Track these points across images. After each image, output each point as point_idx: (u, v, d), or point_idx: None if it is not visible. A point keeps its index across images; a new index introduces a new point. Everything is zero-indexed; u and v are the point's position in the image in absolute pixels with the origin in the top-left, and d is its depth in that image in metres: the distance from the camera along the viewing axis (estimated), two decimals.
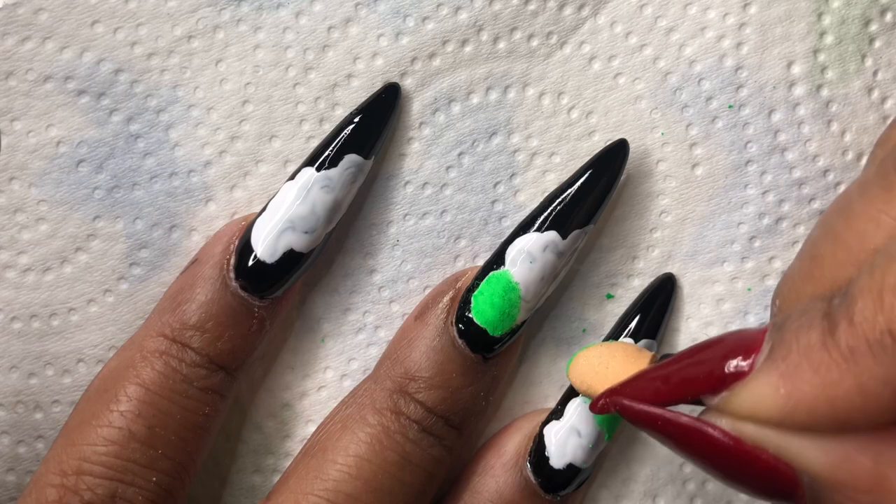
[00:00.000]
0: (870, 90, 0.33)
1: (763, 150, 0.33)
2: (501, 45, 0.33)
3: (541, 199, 0.32)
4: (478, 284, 0.31)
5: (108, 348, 0.33)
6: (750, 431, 0.24)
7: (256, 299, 0.31)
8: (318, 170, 0.31)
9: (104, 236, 0.33)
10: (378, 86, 0.33)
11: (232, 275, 0.30)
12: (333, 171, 0.31)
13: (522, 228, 0.31)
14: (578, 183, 0.31)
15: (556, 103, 0.33)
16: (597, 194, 0.31)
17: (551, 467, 0.31)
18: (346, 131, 0.31)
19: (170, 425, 0.30)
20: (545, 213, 0.31)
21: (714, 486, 0.34)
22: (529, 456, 0.32)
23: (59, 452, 0.29)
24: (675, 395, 0.25)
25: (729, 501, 0.34)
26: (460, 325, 0.31)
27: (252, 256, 0.30)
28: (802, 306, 0.24)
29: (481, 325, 0.30)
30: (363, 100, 0.32)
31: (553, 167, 0.33)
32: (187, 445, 0.30)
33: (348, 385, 0.33)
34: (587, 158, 0.32)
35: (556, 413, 0.32)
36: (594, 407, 0.27)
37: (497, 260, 0.31)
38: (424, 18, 0.33)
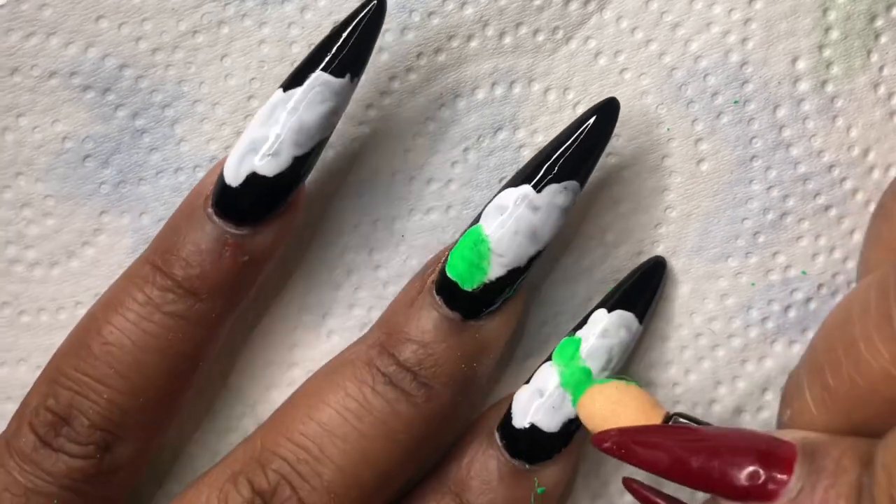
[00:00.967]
0: (876, 86, 0.33)
1: (768, 145, 0.33)
2: (507, 40, 0.33)
3: None
4: (456, 242, 0.31)
5: None
6: None
7: (232, 227, 0.30)
8: (284, 91, 0.30)
9: (111, 231, 0.33)
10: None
11: (209, 202, 0.31)
12: (297, 90, 0.30)
13: (502, 188, 0.31)
14: (560, 139, 0.30)
15: (561, 98, 0.33)
16: (578, 151, 0.30)
17: (513, 427, 0.31)
18: (318, 50, 0.30)
19: (125, 345, 0.30)
20: (523, 169, 0.31)
21: None
22: (499, 422, 0.32)
23: (47, 366, 0.32)
24: (689, 481, 0.26)
25: None
26: (437, 282, 0.31)
27: (223, 183, 0.30)
28: (833, 455, 0.25)
29: (452, 278, 0.30)
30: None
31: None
32: (144, 368, 0.30)
33: None
34: None
35: (528, 380, 0.32)
36: (598, 442, 0.27)
37: (476, 218, 0.31)
38: (430, 13, 0.33)
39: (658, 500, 0.27)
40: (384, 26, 0.33)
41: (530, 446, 0.31)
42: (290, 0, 0.33)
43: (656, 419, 0.28)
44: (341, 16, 0.33)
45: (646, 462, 0.26)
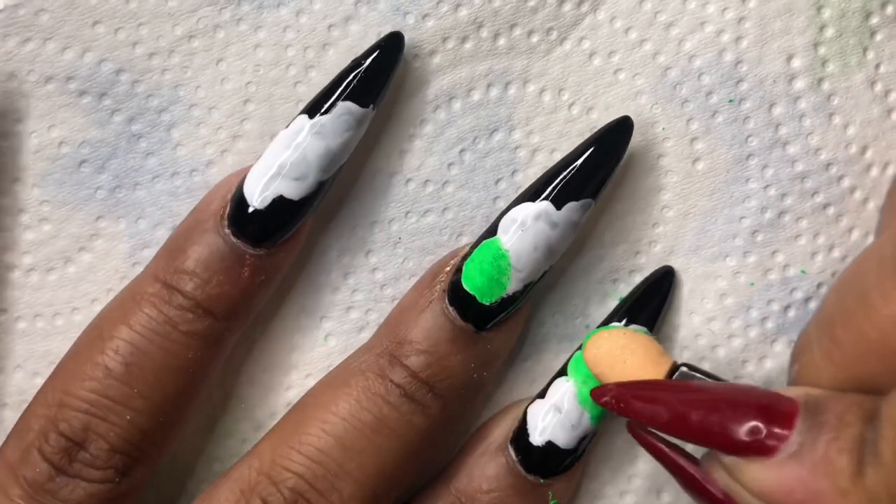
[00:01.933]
0: (872, 83, 0.33)
1: (764, 144, 0.33)
2: (501, 41, 0.33)
3: None
4: (471, 253, 0.31)
5: None
6: (749, 501, 0.25)
7: (249, 247, 0.31)
8: (310, 117, 0.31)
9: (107, 236, 0.33)
10: None
11: (225, 222, 0.31)
12: (326, 118, 0.30)
13: (518, 200, 0.31)
14: (577, 156, 0.31)
15: (556, 99, 0.33)
16: (595, 168, 0.31)
17: (530, 443, 0.31)
18: (342, 80, 0.31)
19: (147, 366, 0.30)
20: (540, 184, 0.31)
21: None
22: (513, 435, 0.32)
23: (46, 386, 0.31)
24: (688, 436, 0.26)
25: None
26: (451, 292, 0.31)
27: (243, 203, 0.30)
28: (836, 410, 0.25)
29: (470, 292, 0.30)
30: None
31: (554, 163, 0.33)
32: (165, 387, 0.30)
33: None
34: None
35: (542, 393, 0.32)
36: (597, 397, 0.27)
37: (492, 230, 0.31)
38: (425, 16, 0.33)
39: (660, 445, 0.27)
40: (379, 28, 0.33)
41: (546, 462, 0.31)
42: (285, 4, 0.33)
43: (664, 366, 0.28)
44: (336, 20, 0.33)
45: (644, 416, 0.26)
